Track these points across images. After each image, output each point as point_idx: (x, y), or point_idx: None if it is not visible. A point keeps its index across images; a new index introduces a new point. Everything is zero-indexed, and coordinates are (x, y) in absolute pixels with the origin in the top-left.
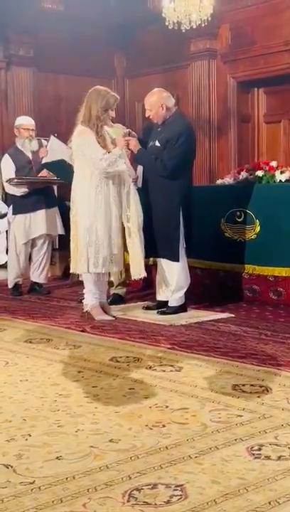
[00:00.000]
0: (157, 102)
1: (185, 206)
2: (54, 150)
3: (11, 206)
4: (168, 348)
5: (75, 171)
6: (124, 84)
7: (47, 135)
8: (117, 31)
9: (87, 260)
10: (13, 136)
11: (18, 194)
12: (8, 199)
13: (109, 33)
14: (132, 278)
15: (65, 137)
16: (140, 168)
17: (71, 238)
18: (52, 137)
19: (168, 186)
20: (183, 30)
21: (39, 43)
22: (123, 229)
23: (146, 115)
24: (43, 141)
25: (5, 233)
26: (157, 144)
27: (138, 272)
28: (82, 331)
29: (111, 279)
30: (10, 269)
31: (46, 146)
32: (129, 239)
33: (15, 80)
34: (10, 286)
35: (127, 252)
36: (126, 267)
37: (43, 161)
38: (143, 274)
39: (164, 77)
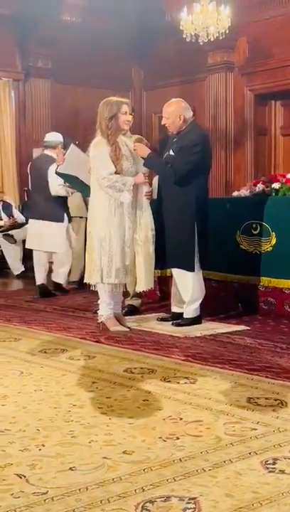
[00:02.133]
0: (175, 112)
1: (200, 216)
2: (72, 159)
3: (65, 215)
4: (183, 360)
5: (92, 182)
6: (141, 96)
7: (65, 147)
8: (135, 43)
9: (100, 270)
10: (31, 146)
11: (69, 195)
12: (58, 209)
13: (127, 45)
14: (136, 289)
15: (82, 148)
16: (155, 180)
17: (86, 248)
18: (72, 145)
19: (183, 195)
20: (201, 43)
21: (57, 54)
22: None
23: (162, 123)
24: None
25: (21, 242)
26: (171, 153)
27: (142, 284)
28: (97, 341)
29: (128, 289)
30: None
31: (64, 154)
32: (135, 251)
33: (34, 92)
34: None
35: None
36: None
37: (59, 169)
38: (147, 287)
39: (181, 89)
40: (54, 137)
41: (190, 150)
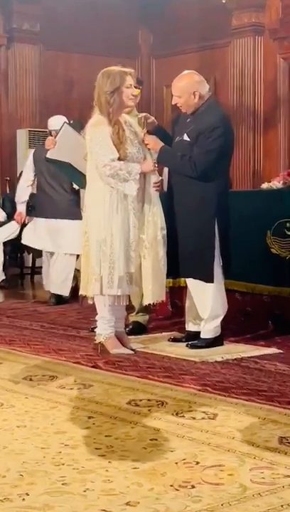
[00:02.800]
0: (188, 88)
1: (222, 215)
2: (64, 142)
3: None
4: (200, 390)
5: (89, 170)
6: (149, 65)
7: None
8: (143, 1)
9: (99, 279)
10: (14, 127)
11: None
12: (76, 204)
13: (133, 4)
14: (142, 302)
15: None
16: (166, 169)
17: (82, 252)
18: (64, 126)
19: (200, 191)
20: (224, 1)
21: (47, 15)
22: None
23: (173, 103)
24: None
25: (1, 245)
26: (185, 138)
27: (149, 296)
28: (94, 366)
29: (132, 302)
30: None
31: (56, 136)
32: (141, 255)
33: (18, 60)
34: None
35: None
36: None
37: (48, 154)
38: (156, 299)
39: (199, 56)
40: (60, 121)
41: (210, 135)
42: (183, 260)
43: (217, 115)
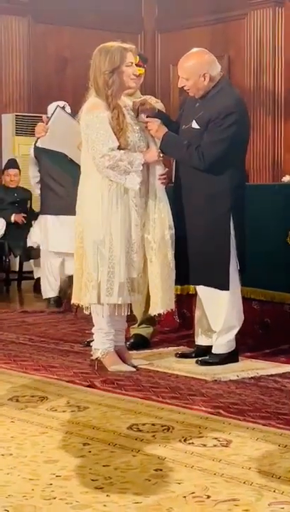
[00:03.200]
0: (197, 70)
1: (237, 212)
2: (57, 128)
3: None
4: (211, 414)
5: (83, 162)
6: (154, 41)
7: (45, 109)
8: None
9: (97, 286)
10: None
11: None
12: None
13: None
14: (150, 313)
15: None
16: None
17: (74, 255)
18: (57, 110)
19: (212, 185)
20: None
21: None
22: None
23: (179, 85)
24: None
25: None
26: (194, 125)
27: (157, 305)
28: (90, 386)
29: (134, 312)
30: None
31: (47, 123)
32: (148, 258)
33: (3, 34)
34: None
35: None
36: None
37: (39, 143)
38: (166, 308)
39: (211, 31)
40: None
41: (221, 122)
42: (193, 265)
43: (230, 99)
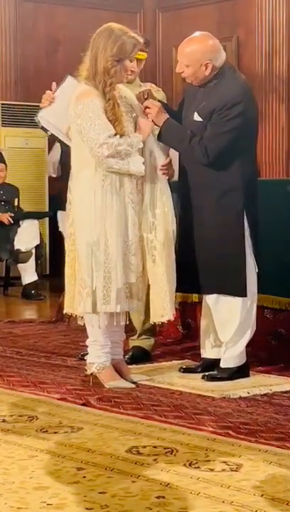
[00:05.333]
0: (199, 57)
1: (251, 209)
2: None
3: None
4: (220, 435)
5: (74, 153)
6: (155, 20)
7: (34, 97)
8: None
9: (92, 294)
10: None
11: None
12: None
13: None
14: (151, 321)
15: None
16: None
17: (66, 260)
18: (68, 77)
19: (223, 181)
20: None
21: None
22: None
23: (177, 70)
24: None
25: None
26: (196, 117)
27: (160, 312)
28: (85, 404)
29: (132, 322)
30: None
31: (55, 91)
32: (150, 259)
33: None
34: None
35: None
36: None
37: (39, 115)
38: (169, 316)
39: (218, 9)
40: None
41: (226, 113)
42: (204, 272)
43: (236, 87)
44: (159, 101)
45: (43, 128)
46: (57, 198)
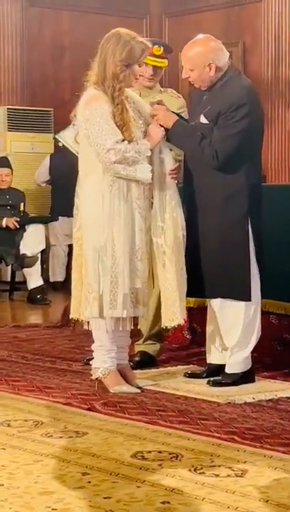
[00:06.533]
0: (201, 59)
1: (255, 213)
2: None
3: None
4: (225, 440)
5: (81, 159)
6: (162, 26)
7: (40, 102)
8: None
9: (98, 298)
10: None
11: None
12: None
13: None
14: (163, 325)
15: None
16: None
17: (73, 264)
18: None
19: (227, 184)
20: None
21: None
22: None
23: (183, 76)
24: None
25: None
26: (203, 120)
27: (171, 316)
28: (90, 409)
29: (139, 327)
30: None
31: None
32: (160, 264)
33: None
34: None
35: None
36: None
37: (61, 134)
38: (179, 320)
39: (224, 15)
40: None
41: (232, 115)
42: (208, 275)
43: (241, 89)
44: (174, 113)
45: (55, 138)
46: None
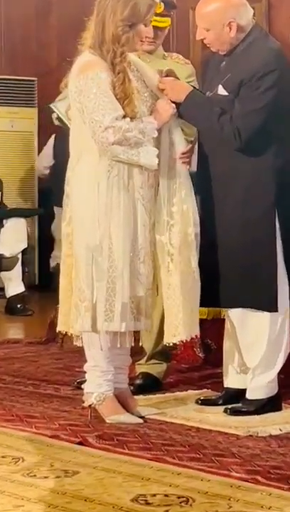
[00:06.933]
0: (219, 17)
1: (284, 204)
2: None
3: None
4: (245, 480)
5: (72, 139)
6: None
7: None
8: None
9: (91, 308)
10: None
11: None
12: None
13: None
14: (165, 342)
15: (55, 76)
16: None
17: (61, 266)
18: None
19: (250, 169)
20: None
21: None
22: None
23: (198, 37)
24: None
25: None
26: (221, 91)
27: (177, 330)
28: (81, 443)
29: (141, 343)
30: None
31: None
32: (164, 267)
33: None
34: None
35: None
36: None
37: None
38: (182, 336)
39: None
40: None
41: (257, 85)
42: (226, 281)
43: (267, 53)
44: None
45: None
46: (50, 191)
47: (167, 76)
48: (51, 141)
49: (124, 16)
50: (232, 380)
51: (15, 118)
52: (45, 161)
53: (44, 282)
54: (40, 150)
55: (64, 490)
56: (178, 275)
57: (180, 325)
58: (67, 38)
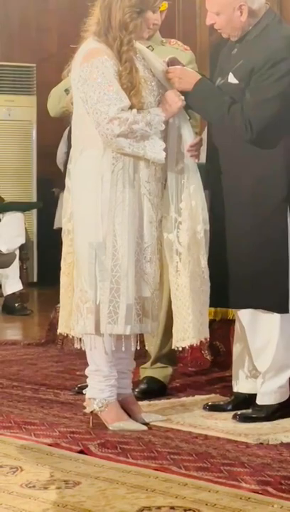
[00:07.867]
0: (231, 0)
1: None
2: None
3: None
4: (256, 492)
5: (75, 129)
6: None
7: (19, 56)
8: None
9: (94, 310)
10: None
11: None
12: None
13: None
14: (173, 346)
15: (55, 62)
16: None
17: (62, 265)
18: None
19: (262, 162)
20: None
21: None
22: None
23: (208, 22)
24: None
25: None
26: (231, 79)
27: (186, 333)
28: (83, 451)
29: (146, 347)
30: None
31: None
32: (172, 267)
33: None
34: None
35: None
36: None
37: None
38: (191, 340)
39: None
40: None
41: (269, 73)
42: (235, 280)
43: (280, 40)
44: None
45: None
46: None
47: (171, 63)
48: (67, 130)
49: (132, 2)
50: (241, 385)
51: (13, 106)
52: (65, 146)
53: (43, 279)
54: (38, 140)
55: (64, 502)
56: (187, 276)
57: (190, 328)
58: (69, 24)
